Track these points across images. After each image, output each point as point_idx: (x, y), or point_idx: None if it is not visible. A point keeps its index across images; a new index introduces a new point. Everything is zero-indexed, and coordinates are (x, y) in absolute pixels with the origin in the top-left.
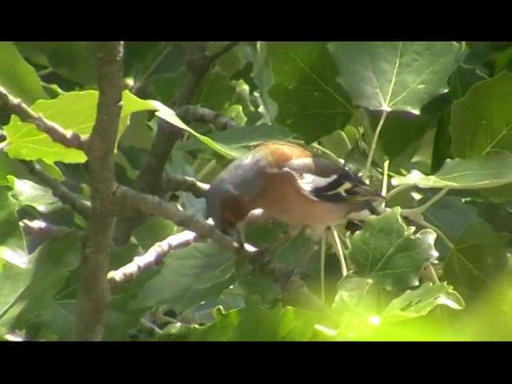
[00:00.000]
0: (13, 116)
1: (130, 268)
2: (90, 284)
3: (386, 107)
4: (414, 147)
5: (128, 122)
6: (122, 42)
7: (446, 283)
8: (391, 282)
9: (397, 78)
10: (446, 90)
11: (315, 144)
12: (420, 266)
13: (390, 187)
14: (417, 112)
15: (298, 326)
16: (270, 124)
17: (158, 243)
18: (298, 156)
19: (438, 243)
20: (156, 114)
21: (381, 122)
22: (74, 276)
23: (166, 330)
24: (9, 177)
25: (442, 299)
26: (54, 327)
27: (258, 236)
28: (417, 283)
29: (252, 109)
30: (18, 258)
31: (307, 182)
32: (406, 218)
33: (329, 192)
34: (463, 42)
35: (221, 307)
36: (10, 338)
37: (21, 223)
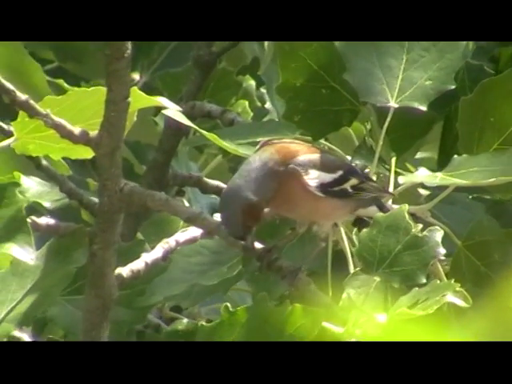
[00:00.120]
0: (20, 112)
1: (138, 264)
2: (97, 280)
3: (393, 103)
4: (421, 143)
5: (135, 119)
6: None
7: (453, 281)
8: (398, 280)
9: (404, 75)
10: (453, 87)
11: (322, 140)
12: (427, 263)
13: (396, 184)
14: (424, 108)
15: (305, 323)
16: (277, 120)
17: (165, 240)
18: (304, 152)
19: (445, 240)
20: (162, 111)
21: (388, 119)
22: (80, 272)
23: (173, 327)
24: (15, 173)
25: (450, 297)
26: (60, 323)
27: (266, 233)
28: (424, 281)
29: (258, 104)
30: (26, 254)
31: (312, 178)
32: (413, 215)
33: (335, 188)
34: None
35: (228, 304)
36: (18, 334)
37: (28, 220)
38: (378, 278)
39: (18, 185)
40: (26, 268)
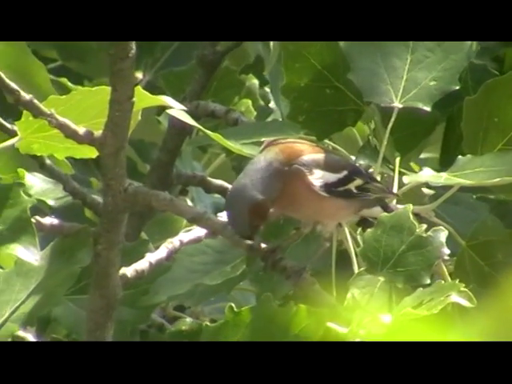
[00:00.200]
0: (24, 112)
1: (142, 264)
2: (101, 280)
3: (397, 104)
4: (425, 143)
5: (139, 118)
6: None
7: (457, 281)
8: (403, 280)
9: (408, 75)
10: (457, 87)
11: (326, 140)
12: (432, 263)
13: (401, 184)
14: (428, 109)
15: (310, 323)
16: (281, 120)
17: (169, 240)
18: (308, 152)
19: (449, 240)
20: (167, 111)
21: (392, 119)
22: (84, 272)
23: (176, 327)
24: (19, 170)
25: (454, 297)
26: (64, 322)
27: (270, 233)
28: (428, 281)
29: (262, 103)
30: (30, 254)
31: (317, 178)
32: (417, 215)
33: (339, 188)
34: None
35: (232, 305)
36: (22, 334)
37: (32, 220)
38: (382, 278)
39: (23, 185)
40: (31, 268)
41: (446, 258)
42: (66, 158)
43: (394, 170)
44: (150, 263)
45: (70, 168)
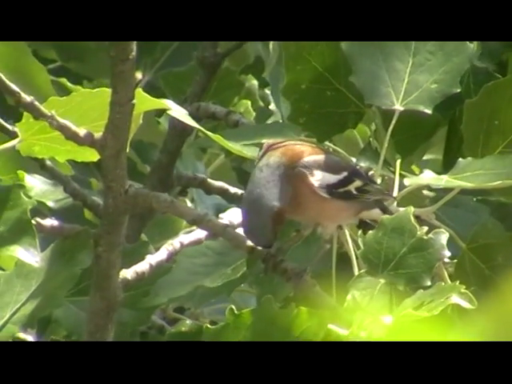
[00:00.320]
0: (25, 113)
1: (142, 266)
2: (102, 282)
3: (398, 106)
4: (426, 145)
5: (141, 121)
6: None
7: (458, 283)
8: (403, 282)
9: (409, 78)
10: (458, 90)
11: (327, 142)
12: (432, 266)
13: (401, 186)
14: (429, 111)
15: (311, 325)
16: (281, 122)
17: (169, 241)
18: (308, 153)
19: (450, 242)
20: (168, 112)
21: (393, 121)
22: (84, 273)
23: (177, 328)
24: (19, 172)
25: (455, 299)
26: (64, 324)
27: None
28: (429, 283)
29: (261, 104)
30: (31, 256)
31: (318, 179)
32: (417, 218)
33: (339, 189)
34: (475, 42)
35: (233, 307)
36: (22, 336)
37: (33, 221)
38: (383, 280)
39: (23, 187)
40: (31, 270)
41: (447, 260)
42: (67, 160)
43: (394, 173)
44: (151, 265)
45: (69, 168)
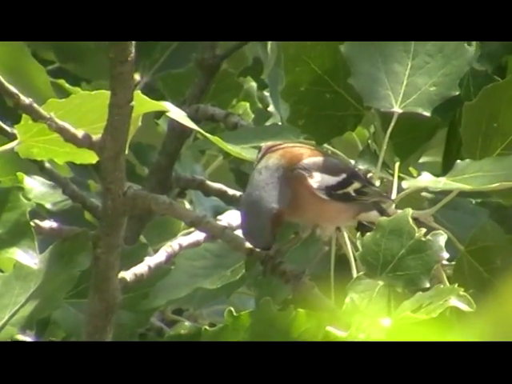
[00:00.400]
0: (24, 115)
1: (141, 268)
2: (101, 284)
3: (397, 109)
4: (424, 147)
5: (140, 124)
6: (133, 42)
7: (456, 285)
8: (402, 284)
9: (408, 80)
10: (457, 93)
11: (326, 145)
12: (431, 267)
13: (400, 188)
14: (428, 114)
15: (309, 327)
16: (280, 124)
17: (168, 243)
18: (307, 155)
19: (448, 245)
20: (167, 114)
21: (392, 124)
22: (83, 275)
23: (175, 330)
24: (18, 174)
25: (453, 301)
26: (63, 326)
27: None
28: (428, 285)
29: (259, 106)
30: (29, 258)
31: (316, 181)
32: (416, 220)
33: (338, 191)
34: (474, 43)
35: (232, 309)
36: (21, 337)
37: (31, 223)
38: (381, 282)
39: (22, 189)
40: (30, 272)
41: (445, 262)
42: (66, 162)
43: (393, 175)
44: (149, 267)
45: (68, 171)
